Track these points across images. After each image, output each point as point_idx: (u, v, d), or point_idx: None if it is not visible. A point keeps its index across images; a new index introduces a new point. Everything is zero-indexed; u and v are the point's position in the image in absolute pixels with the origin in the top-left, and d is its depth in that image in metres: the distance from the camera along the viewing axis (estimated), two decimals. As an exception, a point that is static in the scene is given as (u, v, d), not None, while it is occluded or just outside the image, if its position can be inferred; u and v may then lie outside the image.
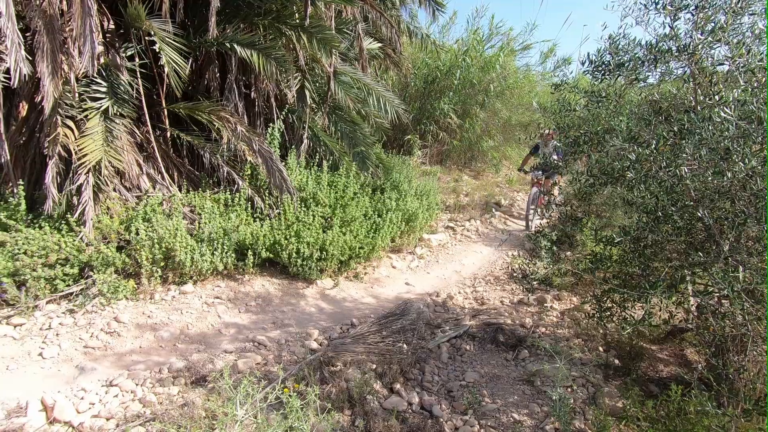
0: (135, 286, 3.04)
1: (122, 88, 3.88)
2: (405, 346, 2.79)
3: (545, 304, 3.55)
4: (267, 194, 4.55)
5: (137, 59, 4.17)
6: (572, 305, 3.54)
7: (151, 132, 4.28)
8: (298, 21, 5.01)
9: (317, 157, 5.40)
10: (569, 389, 2.46)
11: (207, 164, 4.66)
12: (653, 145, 1.88)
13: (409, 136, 8.74)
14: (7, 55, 2.84)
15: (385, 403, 2.28)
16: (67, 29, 3.61)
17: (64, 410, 1.99)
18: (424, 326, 3.13)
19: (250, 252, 3.47)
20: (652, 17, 2.11)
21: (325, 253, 3.70)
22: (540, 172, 6.41)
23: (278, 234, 3.65)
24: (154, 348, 2.69)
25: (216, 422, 1.85)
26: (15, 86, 2.93)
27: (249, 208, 4.11)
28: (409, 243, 4.73)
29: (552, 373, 2.53)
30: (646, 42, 2.12)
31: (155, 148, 4.30)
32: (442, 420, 2.19)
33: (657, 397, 2.22)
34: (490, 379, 2.61)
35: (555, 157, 6.34)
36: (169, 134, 4.74)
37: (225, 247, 3.41)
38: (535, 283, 3.31)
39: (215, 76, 5.24)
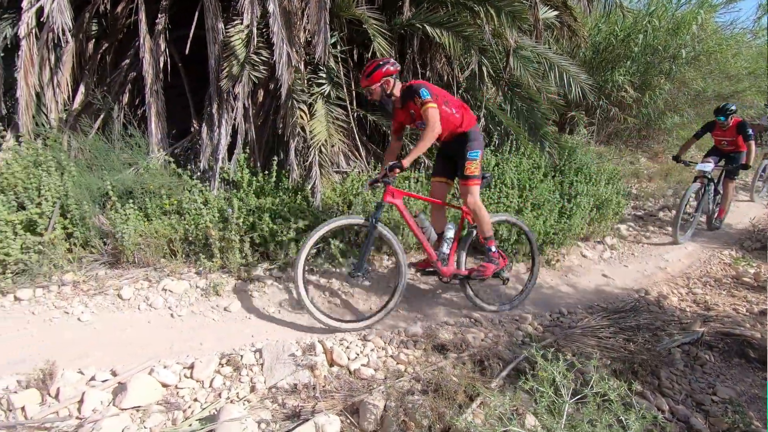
0: (357, 252, 3.41)
1: (334, 73, 4.28)
2: (632, 345, 2.61)
3: (801, 320, 2.95)
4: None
5: (339, 46, 4.53)
6: (844, 326, 2.87)
7: (350, 113, 4.65)
8: (485, -5, 4.86)
9: (494, 136, 5.30)
10: None
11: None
12: None
13: (573, 113, 7.99)
14: (274, 50, 3.34)
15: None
16: (297, 22, 4.10)
17: (341, 356, 2.36)
18: (644, 326, 2.88)
19: (452, 230, 3.61)
20: None
21: (520, 236, 3.65)
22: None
23: (477, 215, 3.70)
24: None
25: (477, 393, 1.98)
26: (279, 75, 3.44)
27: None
28: (599, 231, 4.38)
29: None
30: None
31: (353, 128, 4.68)
32: (707, 434, 2.00)
33: None
34: (751, 399, 2.28)
35: None
36: (355, 114, 5.12)
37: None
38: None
39: (395, 57, 5.44)
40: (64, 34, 2.97)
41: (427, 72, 5.60)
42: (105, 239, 3.19)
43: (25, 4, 3.52)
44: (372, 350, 2.48)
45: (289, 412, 2.00)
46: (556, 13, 6.25)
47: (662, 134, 8.43)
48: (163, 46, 4.02)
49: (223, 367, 2.27)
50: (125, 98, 4.40)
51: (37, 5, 3.48)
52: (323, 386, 2.16)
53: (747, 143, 4.65)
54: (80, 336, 2.54)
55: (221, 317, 2.82)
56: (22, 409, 1.93)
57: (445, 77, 5.78)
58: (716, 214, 4.95)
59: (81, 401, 1.97)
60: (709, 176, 4.61)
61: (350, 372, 2.29)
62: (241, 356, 2.33)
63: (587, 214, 4.17)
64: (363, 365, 2.33)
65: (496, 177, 4.36)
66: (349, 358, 2.38)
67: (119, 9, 4.51)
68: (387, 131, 5.00)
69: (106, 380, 2.12)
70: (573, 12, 6.68)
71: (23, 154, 3.41)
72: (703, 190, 4.65)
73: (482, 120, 5.38)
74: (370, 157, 4.90)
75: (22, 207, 3.11)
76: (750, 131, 4.64)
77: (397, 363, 2.38)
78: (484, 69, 5.46)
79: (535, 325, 2.88)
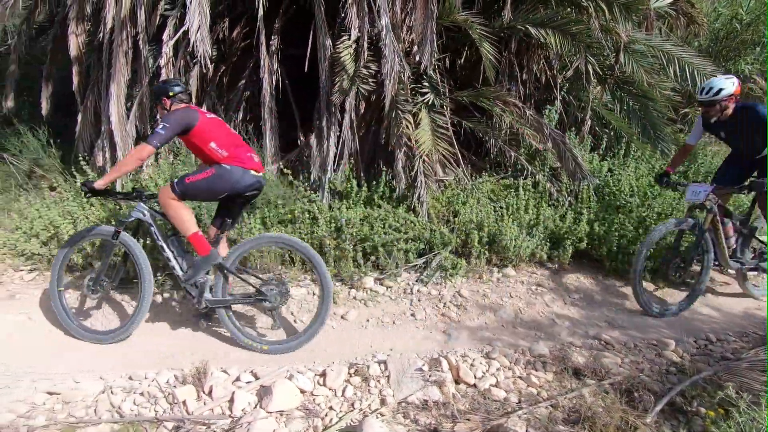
0: (466, 264, 3.33)
1: (435, 82, 4.25)
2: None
3: None
4: (556, 180, 4.38)
5: (435, 54, 4.46)
6: None
7: (448, 121, 4.57)
8: (595, -11, 4.56)
9: (604, 139, 4.89)
10: None
11: (492, 150, 4.76)
12: None
13: (686, 109, 7.13)
14: (385, 63, 3.40)
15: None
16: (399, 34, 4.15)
17: (467, 374, 2.28)
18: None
19: (568, 242, 3.37)
20: None
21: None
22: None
23: (597, 226, 3.41)
24: (498, 328, 2.87)
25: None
26: (390, 91, 3.49)
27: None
28: (739, 245, 3.81)
29: None
30: None
31: (452, 136, 4.60)
32: None
33: None
34: None
35: None
36: (449, 121, 5.03)
37: (542, 235, 3.42)
38: None
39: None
40: (204, 60, 3.28)
41: (524, 74, 5.36)
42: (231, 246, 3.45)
43: (165, 37, 3.99)
44: (498, 369, 2.37)
45: (424, 429, 1.97)
46: (669, 1, 5.66)
47: (803, 130, 7.20)
48: (275, 66, 4.30)
49: (352, 377, 2.31)
50: (240, 115, 4.78)
51: (176, 37, 3.93)
52: (454, 405, 2.10)
53: None
54: (218, 337, 2.76)
55: (339, 325, 2.89)
56: (184, 403, 2.12)
57: (543, 78, 5.50)
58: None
59: (231, 401, 2.12)
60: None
61: (479, 391, 2.20)
62: (368, 367, 2.36)
63: (724, 225, 3.64)
64: (492, 385, 2.23)
65: (610, 184, 4.00)
66: (475, 377, 2.30)
67: (234, 34, 4.93)
68: (483, 138, 4.87)
69: (249, 382, 2.26)
70: (692, -1, 6.03)
71: (163, 168, 3.85)
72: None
73: (588, 122, 5.02)
74: (467, 164, 4.79)
75: (166, 217, 3.48)
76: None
77: (528, 386, 2.25)
78: (589, 67, 5.10)
79: (680, 353, 2.55)
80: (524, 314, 3.00)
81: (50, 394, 2.25)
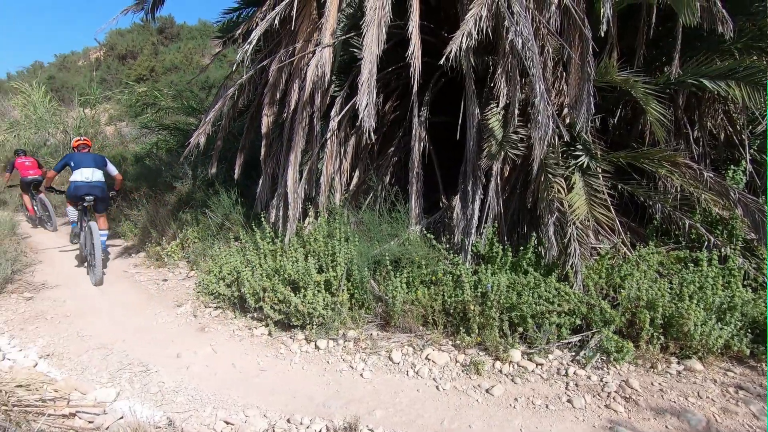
0: (634, 349, 2.86)
1: (588, 144, 4.02)
2: None
3: None
4: (752, 255, 3.60)
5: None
6: None
7: (602, 185, 4.21)
8: (794, 33, 3.92)
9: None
10: None
11: (656, 216, 4.18)
12: None
13: None
14: (538, 128, 3.37)
15: None
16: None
17: (653, 491, 1.88)
18: None
19: (780, 336, 2.67)
20: None
21: None
22: None
23: (828, 319, 2.65)
24: (686, 436, 2.34)
25: None
26: (539, 154, 3.43)
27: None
28: None
29: None
30: None
31: (607, 200, 4.21)
32: None
33: None
34: None
35: None
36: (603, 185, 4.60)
37: (739, 322, 2.78)
38: None
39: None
40: (369, 133, 3.72)
41: (695, 131, 4.73)
42: (377, 302, 3.62)
43: (333, 113, 4.68)
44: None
45: None
46: None
47: None
48: (423, 134, 4.62)
49: (505, 464, 2.11)
50: (387, 179, 5.19)
51: (341, 114, 4.57)
52: None
53: None
54: (364, 392, 2.84)
55: (484, 399, 2.71)
56: (336, 457, 2.19)
57: (722, 135, 4.78)
58: None
59: (380, 464, 2.11)
60: None
61: None
62: (523, 457, 2.13)
63: None
64: None
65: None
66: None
67: (387, 107, 5.51)
68: (645, 203, 4.35)
69: (397, 448, 2.24)
70: None
71: (322, 227, 4.34)
72: None
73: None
74: (626, 231, 4.28)
75: (321, 270, 3.87)
76: None
77: None
78: (789, 119, 4.28)
79: None
80: (721, 424, 2.39)
81: (227, 423, 2.56)
